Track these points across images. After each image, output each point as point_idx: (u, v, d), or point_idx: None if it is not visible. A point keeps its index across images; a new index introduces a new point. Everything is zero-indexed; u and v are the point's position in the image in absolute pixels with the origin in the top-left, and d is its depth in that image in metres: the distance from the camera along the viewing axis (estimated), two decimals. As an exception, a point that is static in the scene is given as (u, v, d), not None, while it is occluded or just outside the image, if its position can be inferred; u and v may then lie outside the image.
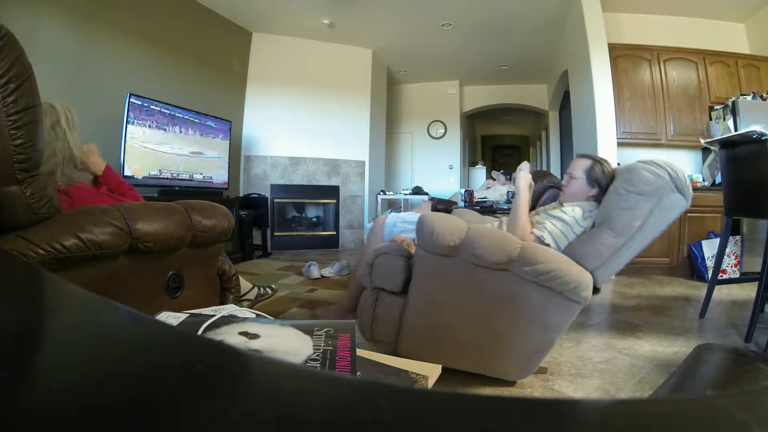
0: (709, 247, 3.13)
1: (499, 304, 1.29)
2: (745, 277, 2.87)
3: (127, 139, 2.79)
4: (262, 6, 4.00)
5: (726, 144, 2.07)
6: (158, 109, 3.05)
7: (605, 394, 1.35)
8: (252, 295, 2.16)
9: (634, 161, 1.38)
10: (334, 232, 4.96)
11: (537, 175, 3.42)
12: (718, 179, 3.35)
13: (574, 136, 4.11)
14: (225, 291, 1.48)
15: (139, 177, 2.89)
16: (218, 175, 3.70)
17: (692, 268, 3.29)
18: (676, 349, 1.71)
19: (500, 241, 1.24)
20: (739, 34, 3.93)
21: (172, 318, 0.55)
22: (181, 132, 3.27)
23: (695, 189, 3.39)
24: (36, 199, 0.83)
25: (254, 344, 0.49)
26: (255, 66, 4.61)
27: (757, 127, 1.80)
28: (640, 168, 1.29)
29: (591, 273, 1.25)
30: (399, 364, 0.64)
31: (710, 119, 3.59)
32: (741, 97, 3.37)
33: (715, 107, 3.54)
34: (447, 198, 3.41)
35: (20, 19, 2.43)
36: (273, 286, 2.48)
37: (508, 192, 3.77)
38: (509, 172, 4.12)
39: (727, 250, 2.92)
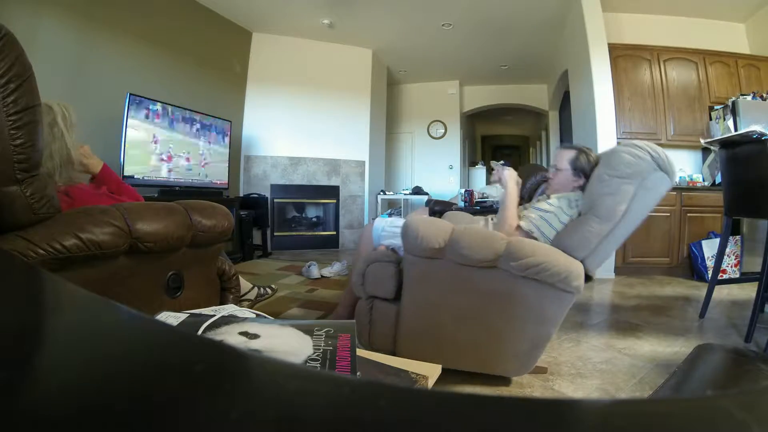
0: (709, 247, 3.13)
1: (493, 302, 1.29)
2: (745, 277, 2.87)
3: (127, 139, 2.79)
4: (262, 6, 4.00)
5: (726, 144, 2.07)
6: (158, 109, 3.05)
7: (605, 394, 1.35)
8: (252, 295, 2.16)
9: (616, 145, 1.37)
10: (334, 232, 4.96)
11: (530, 170, 3.43)
12: (718, 179, 3.35)
13: (574, 136, 4.11)
14: (225, 291, 1.48)
15: (140, 177, 2.89)
16: (218, 175, 3.70)
17: (692, 268, 3.29)
18: (676, 349, 1.71)
19: (485, 238, 1.24)
20: (739, 34, 3.93)
21: (172, 318, 0.55)
22: (181, 132, 3.27)
23: (695, 189, 3.43)
24: (36, 199, 0.83)
25: (254, 344, 0.49)
26: (255, 66, 4.61)
27: (757, 127, 1.80)
28: (621, 151, 1.29)
29: (581, 262, 1.25)
30: (399, 364, 0.64)
31: (710, 119, 3.59)
32: (741, 97, 3.37)
33: (715, 107, 3.54)
34: (447, 200, 3.39)
35: (20, 19, 2.43)
36: (273, 286, 2.48)
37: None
38: (508, 163, 4.07)
39: (727, 250, 2.92)
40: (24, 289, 0.34)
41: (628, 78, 3.63)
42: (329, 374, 0.37)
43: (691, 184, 3.49)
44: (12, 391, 0.16)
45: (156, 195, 2.92)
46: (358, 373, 0.49)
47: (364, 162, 5.06)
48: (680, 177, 3.54)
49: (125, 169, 2.78)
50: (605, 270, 3.29)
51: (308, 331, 0.53)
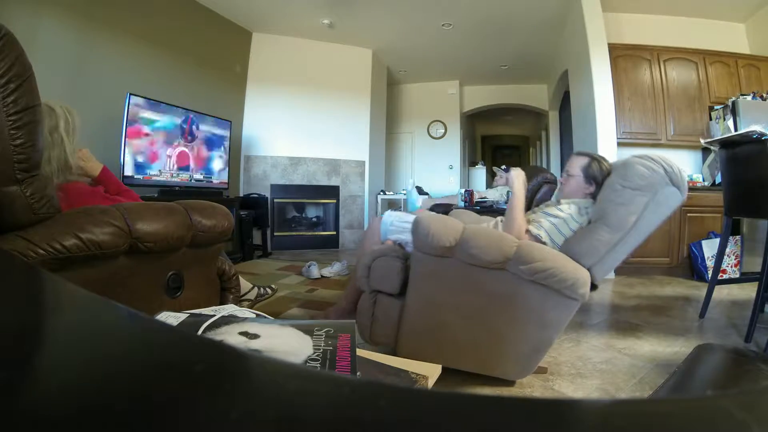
0: (709, 247, 3.13)
1: (497, 304, 1.29)
2: (745, 277, 2.87)
3: (127, 139, 2.79)
4: (262, 6, 4.00)
5: (726, 144, 2.07)
6: (158, 108, 3.05)
7: (605, 394, 1.35)
8: (252, 295, 2.16)
9: (630, 156, 1.38)
10: (334, 232, 4.96)
11: (531, 172, 3.42)
12: (718, 179, 3.35)
13: (574, 136, 4.11)
14: (225, 291, 1.48)
15: (139, 177, 2.89)
16: (218, 175, 3.70)
17: (692, 268, 3.29)
18: (676, 349, 1.71)
19: (496, 240, 1.24)
20: (739, 34, 3.93)
21: (172, 318, 0.55)
22: (181, 132, 3.27)
23: (695, 189, 3.43)
24: (36, 199, 0.83)
25: (254, 344, 0.49)
26: (255, 66, 4.61)
27: (757, 127, 1.80)
28: (635, 163, 1.29)
29: (588, 269, 1.25)
30: (399, 364, 0.64)
31: (710, 119, 3.59)
32: (741, 97, 3.37)
33: (715, 107, 3.54)
34: (441, 198, 3.38)
35: (20, 19, 2.43)
36: (273, 286, 2.48)
37: (508, 192, 3.76)
38: (510, 168, 4.06)
39: (727, 250, 2.92)
40: (24, 289, 0.34)
41: (628, 78, 3.63)
42: (329, 374, 0.37)
43: (691, 184, 3.49)
44: (12, 391, 0.16)
45: (156, 195, 2.92)
46: (358, 373, 0.49)
47: (364, 162, 5.06)
48: (680, 177, 3.53)
49: (125, 169, 2.78)
50: (605, 270, 3.29)
51: (308, 331, 0.53)
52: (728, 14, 3.85)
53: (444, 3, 3.90)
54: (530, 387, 1.39)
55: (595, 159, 1.51)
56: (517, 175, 1.56)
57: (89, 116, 2.40)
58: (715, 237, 3.16)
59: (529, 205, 1.74)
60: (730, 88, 3.57)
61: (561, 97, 5.52)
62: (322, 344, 0.50)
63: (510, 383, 1.40)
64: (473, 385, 1.36)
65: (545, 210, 1.51)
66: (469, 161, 8.31)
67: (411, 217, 1.60)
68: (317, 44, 4.82)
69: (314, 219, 5.09)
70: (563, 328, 1.30)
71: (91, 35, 2.87)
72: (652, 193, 1.25)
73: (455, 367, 1.35)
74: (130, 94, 2.83)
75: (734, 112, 3.32)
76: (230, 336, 0.51)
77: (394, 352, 1.37)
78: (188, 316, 0.56)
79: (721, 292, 2.55)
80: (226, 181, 3.79)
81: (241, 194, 4.41)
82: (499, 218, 1.88)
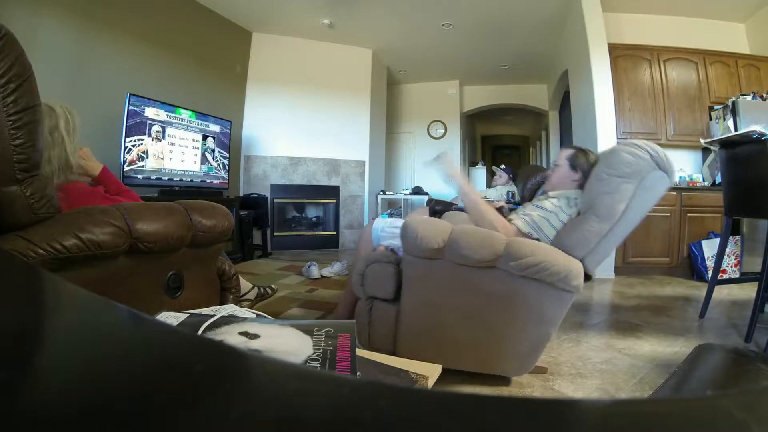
0: (709, 247, 3.13)
1: (492, 302, 1.29)
2: (745, 277, 2.87)
3: (127, 139, 2.79)
4: (262, 6, 4.00)
5: (726, 144, 2.07)
6: (158, 108, 3.05)
7: (605, 394, 1.35)
8: (252, 295, 2.16)
9: (615, 144, 1.38)
10: (334, 232, 4.96)
11: (531, 171, 3.42)
12: (718, 179, 3.35)
13: (574, 136, 4.11)
14: (225, 291, 1.48)
15: (140, 177, 2.89)
16: (218, 175, 3.70)
17: (692, 268, 3.29)
18: (676, 349, 1.71)
19: (485, 238, 1.24)
20: (739, 34, 3.93)
21: (172, 318, 0.55)
22: (180, 132, 3.27)
23: (695, 189, 3.43)
24: (36, 199, 0.83)
25: (254, 344, 0.49)
26: (255, 66, 4.61)
27: (757, 127, 1.80)
28: (620, 150, 1.29)
29: (581, 261, 1.25)
30: (399, 364, 0.64)
31: (710, 119, 3.59)
32: (741, 97, 3.37)
33: (715, 107, 3.54)
34: (448, 200, 3.39)
35: (20, 19, 2.43)
36: (273, 286, 2.48)
37: (508, 192, 3.76)
38: (510, 168, 4.06)
39: (727, 250, 2.92)
40: (24, 289, 0.34)
41: (628, 78, 3.63)
42: (329, 374, 0.37)
43: (691, 184, 3.49)
44: (12, 391, 0.16)
45: (156, 195, 2.92)
46: (358, 373, 0.49)
47: (364, 162, 5.06)
48: (680, 177, 3.54)
49: (125, 169, 2.78)
50: (605, 270, 3.29)
51: (308, 331, 0.53)
52: (728, 14, 3.85)
53: (444, 3, 3.90)
54: (530, 387, 1.39)
55: (581, 150, 1.53)
56: (451, 165, 1.46)
57: (89, 116, 2.41)
58: (715, 237, 3.16)
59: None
60: (730, 88, 3.57)
61: (561, 97, 5.52)
62: (322, 344, 0.50)
63: (509, 382, 1.40)
64: (473, 385, 1.36)
65: (535, 203, 1.51)
66: (469, 161, 8.32)
67: (401, 222, 1.60)
68: (317, 44, 4.82)
69: (314, 219, 5.09)
70: (560, 321, 1.30)
71: (91, 35, 2.87)
72: (638, 179, 1.24)
73: (455, 367, 1.35)
74: (130, 94, 2.83)
75: (734, 112, 3.32)
76: (230, 336, 0.51)
77: (393, 355, 1.37)
78: (188, 316, 0.56)
79: (721, 292, 2.55)
80: (226, 181, 3.79)
81: (241, 194, 4.41)
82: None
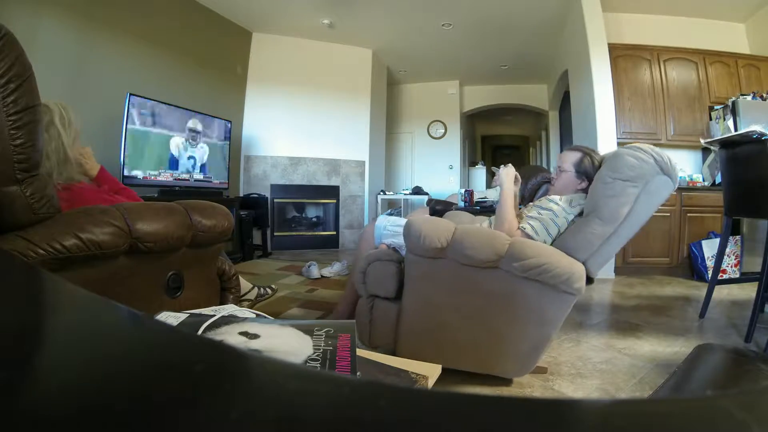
0: (709, 247, 3.13)
1: (494, 302, 1.29)
2: (745, 277, 2.87)
3: (127, 139, 2.79)
4: (262, 6, 4.00)
5: (726, 144, 2.07)
6: (158, 109, 3.05)
7: (605, 394, 1.35)
8: (252, 295, 2.16)
9: (619, 147, 1.38)
10: (334, 232, 4.96)
11: (531, 171, 3.42)
12: (718, 179, 3.35)
13: (574, 136, 4.11)
14: (225, 291, 1.48)
15: (140, 177, 2.89)
16: (218, 175, 3.70)
17: (692, 268, 3.29)
18: (676, 349, 1.71)
19: (488, 239, 1.24)
20: (739, 34, 3.93)
21: (172, 318, 0.55)
22: (180, 132, 3.27)
23: (695, 189, 3.43)
24: (36, 199, 0.83)
25: (254, 344, 0.49)
26: (255, 66, 4.61)
27: (757, 127, 1.80)
28: (625, 154, 1.29)
29: (583, 263, 1.25)
30: (399, 364, 0.64)
31: (710, 119, 3.59)
32: (741, 97, 3.37)
33: (715, 107, 3.54)
34: (445, 198, 3.39)
35: (20, 19, 2.43)
36: (273, 286, 2.48)
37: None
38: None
39: (727, 250, 2.92)
40: (24, 289, 0.34)
41: (628, 78, 3.63)
42: (329, 374, 0.37)
43: (691, 184, 3.49)
44: (12, 391, 0.16)
45: (156, 195, 2.92)
46: (358, 373, 0.49)
47: (364, 162, 5.06)
48: (680, 177, 3.53)
49: (125, 169, 2.78)
50: (605, 270, 3.29)
51: (308, 331, 0.53)
52: (728, 14, 3.85)
53: (444, 3, 3.90)
54: (530, 387, 1.39)
55: (588, 154, 1.50)
56: (507, 173, 1.56)
57: (89, 116, 2.41)
58: (715, 237, 3.16)
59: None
60: (730, 88, 3.57)
61: (561, 97, 5.52)
62: (322, 344, 0.50)
63: (509, 382, 1.40)
64: (473, 385, 1.36)
65: (538, 204, 1.51)
66: (469, 161, 8.32)
67: (404, 221, 1.60)
68: (317, 44, 4.82)
69: (314, 219, 5.09)
70: (561, 324, 1.30)
71: (91, 35, 2.87)
72: (643, 183, 1.24)
73: (455, 367, 1.35)
74: (130, 94, 2.83)
75: (734, 112, 3.32)
76: (230, 336, 0.51)
77: (393, 354, 1.37)
78: (188, 316, 0.56)
79: (721, 292, 2.55)
80: (226, 181, 3.79)
81: (241, 194, 4.41)
82: (492, 217, 1.89)
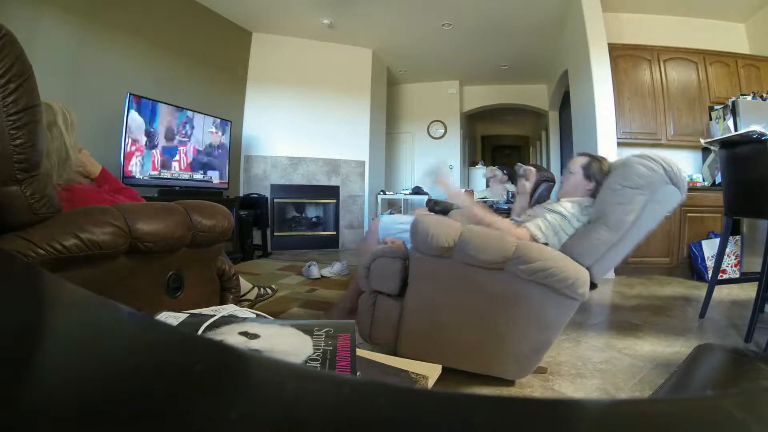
0: (709, 247, 3.13)
1: (497, 304, 1.29)
2: (745, 277, 2.87)
3: (127, 139, 2.79)
4: (262, 6, 4.00)
5: (726, 144, 2.07)
6: (158, 109, 3.05)
7: (605, 394, 1.35)
8: (252, 295, 2.16)
9: (629, 155, 1.38)
10: (334, 232, 4.96)
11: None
12: (718, 179, 3.34)
13: (574, 136, 4.11)
14: (225, 291, 1.48)
15: (140, 177, 2.89)
16: (218, 175, 3.70)
17: (692, 268, 3.29)
18: (676, 349, 1.71)
19: (496, 240, 1.24)
20: (739, 34, 3.93)
21: (172, 318, 0.55)
22: (180, 132, 3.27)
23: (695, 189, 3.43)
24: (36, 199, 0.83)
25: (254, 344, 0.49)
26: (255, 66, 4.61)
27: (757, 127, 1.80)
28: (634, 162, 1.30)
29: (588, 269, 1.25)
30: (399, 364, 0.64)
31: (710, 119, 3.58)
32: (741, 97, 3.37)
33: (715, 107, 3.54)
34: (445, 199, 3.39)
35: (20, 19, 2.43)
36: (273, 286, 2.48)
37: (508, 192, 3.76)
38: (507, 168, 4.06)
39: (727, 250, 2.92)
40: (24, 289, 0.34)
41: (628, 78, 3.63)
42: (329, 374, 0.37)
43: (691, 184, 3.48)
44: (12, 391, 0.16)
45: (156, 195, 2.92)
46: (358, 373, 0.49)
47: (364, 162, 5.06)
48: (680, 177, 3.53)
49: (125, 169, 2.77)
50: (605, 270, 3.29)
51: (308, 331, 0.53)
52: (728, 14, 3.85)
53: (444, 3, 3.90)
54: (530, 387, 1.39)
55: (596, 159, 1.53)
56: (453, 186, 1.60)
57: (89, 116, 2.41)
58: (715, 237, 3.16)
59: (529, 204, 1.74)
60: (730, 88, 3.57)
61: (561, 97, 5.52)
62: (322, 344, 0.50)
63: (510, 383, 1.40)
64: (473, 385, 1.36)
65: (547, 206, 1.51)
66: (469, 161, 8.32)
67: (408, 219, 1.61)
68: (317, 44, 4.82)
69: (314, 219, 5.09)
70: (563, 327, 1.30)
71: (91, 35, 2.87)
72: (651, 192, 1.25)
73: (455, 367, 1.35)
74: (130, 94, 2.83)
75: (734, 112, 3.32)
76: (230, 336, 0.51)
77: (394, 352, 1.37)
78: (188, 316, 0.56)
79: (721, 292, 2.55)
80: (226, 181, 3.79)
81: (241, 194, 4.41)
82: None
